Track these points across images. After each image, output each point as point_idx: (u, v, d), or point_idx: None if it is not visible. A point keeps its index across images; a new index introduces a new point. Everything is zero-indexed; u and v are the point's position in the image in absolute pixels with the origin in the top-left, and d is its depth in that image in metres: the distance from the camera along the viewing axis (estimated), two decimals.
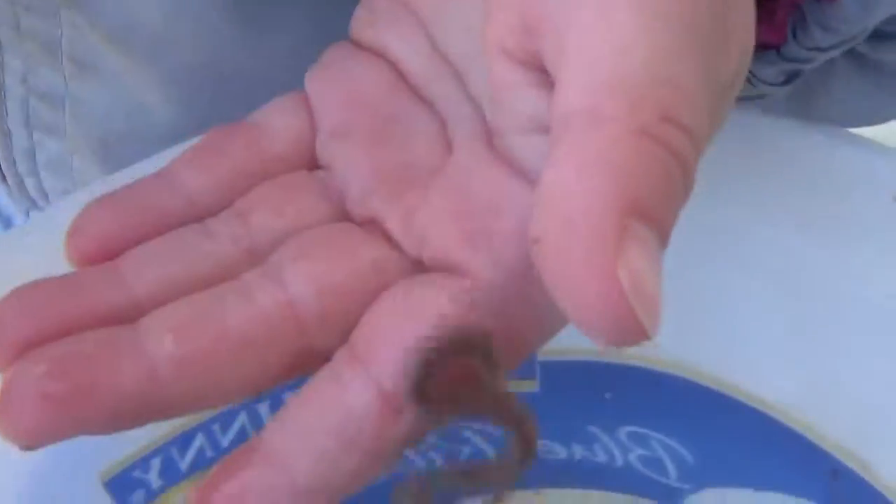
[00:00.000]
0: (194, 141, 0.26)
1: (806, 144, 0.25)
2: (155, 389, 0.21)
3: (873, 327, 0.28)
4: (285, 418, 0.22)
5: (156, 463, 0.31)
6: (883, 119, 0.34)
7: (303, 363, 0.23)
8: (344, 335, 0.22)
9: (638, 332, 0.18)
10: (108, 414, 0.21)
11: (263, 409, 0.32)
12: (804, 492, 0.32)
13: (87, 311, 0.22)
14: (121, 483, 0.30)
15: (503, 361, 0.22)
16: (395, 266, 0.23)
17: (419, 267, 0.23)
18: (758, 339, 0.29)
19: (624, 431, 0.33)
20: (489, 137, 0.23)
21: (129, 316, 0.23)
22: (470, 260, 0.22)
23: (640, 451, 0.34)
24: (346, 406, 0.21)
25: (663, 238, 0.18)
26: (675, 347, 0.31)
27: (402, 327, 0.21)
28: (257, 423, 0.32)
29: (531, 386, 0.33)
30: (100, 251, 0.24)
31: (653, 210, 0.18)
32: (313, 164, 0.26)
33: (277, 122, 0.26)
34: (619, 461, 0.34)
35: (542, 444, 0.34)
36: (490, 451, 0.35)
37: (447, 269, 0.22)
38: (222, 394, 0.22)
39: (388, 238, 0.24)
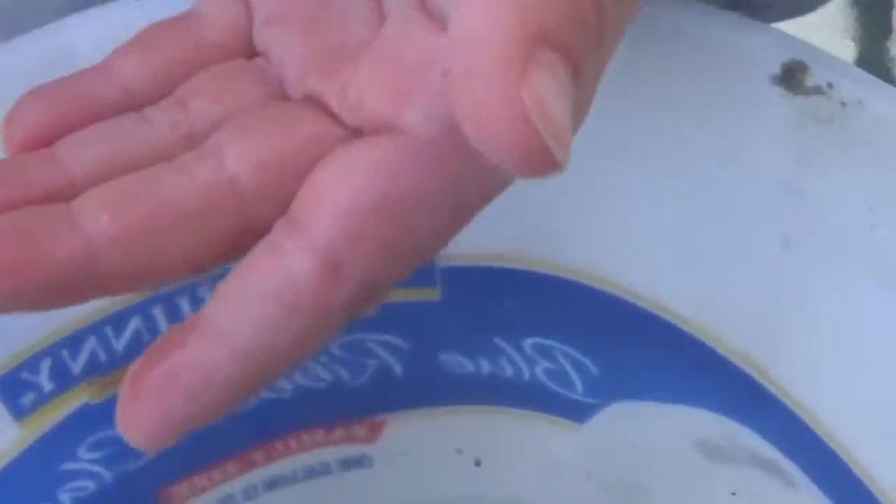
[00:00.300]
0: (91, 11, 0.26)
1: (683, 22, 0.24)
2: (92, 263, 0.21)
3: (760, 224, 0.27)
4: (223, 291, 0.22)
5: (45, 364, 0.30)
6: (812, 7, 0.33)
7: (243, 240, 0.23)
8: (284, 209, 0.22)
9: (548, 160, 0.18)
10: (44, 285, 0.21)
11: (158, 312, 0.31)
12: (708, 403, 0.32)
13: (21, 191, 0.22)
14: (8, 383, 0.30)
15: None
16: (335, 137, 0.23)
17: (359, 136, 0.23)
18: (650, 238, 0.29)
19: (528, 343, 0.33)
20: (421, 4, 0.23)
21: (64, 196, 0.22)
22: (403, 117, 0.22)
23: (546, 364, 0.34)
24: (284, 271, 0.21)
25: (575, 67, 0.18)
26: (572, 251, 0.30)
27: (337, 189, 0.21)
28: (151, 327, 0.31)
29: (432, 294, 0.32)
30: (35, 141, 0.24)
31: (560, 38, 0.18)
32: (251, 53, 0.26)
33: (214, 11, 0.26)
34: (526, 375, 0.34)
35: (449, 357, 0.34)
36: (395, 364, 0.35)
37: (383, 129, 0.22)
38: (162, 270, 0.22)
39: (328, 112, 0.24)
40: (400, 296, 0.32)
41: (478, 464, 0.38)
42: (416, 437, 0.37)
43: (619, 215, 0.29)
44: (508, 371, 0.34)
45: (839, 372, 0.29)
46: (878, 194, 0.25)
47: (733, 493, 0.34)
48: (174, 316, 0.31)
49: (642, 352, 0.32)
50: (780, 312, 0.28)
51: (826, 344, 0.29)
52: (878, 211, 0.25)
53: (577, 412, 0.35)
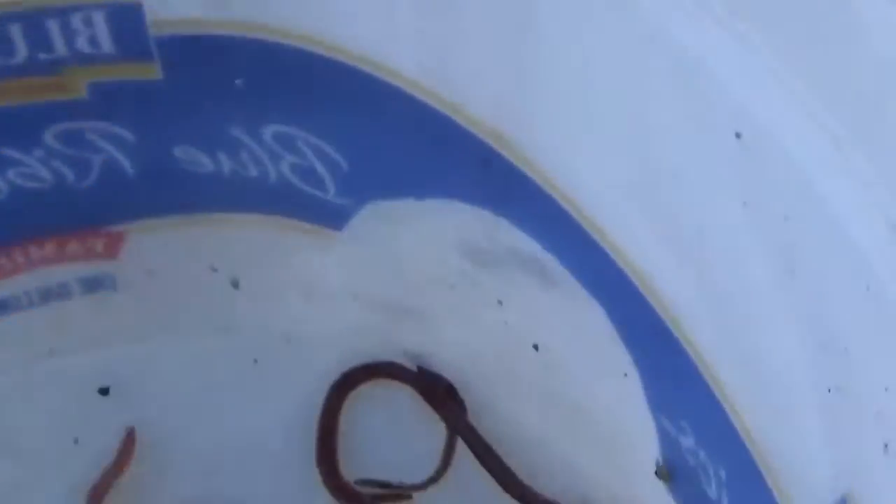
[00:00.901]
0: None
1: None
2: None
3: None
4: None
5: None
6: None
7: None
8: None
9: None
10: None
11: None
12: (464, 193, 0.28)
13: None
14: None
15: None
16: None
17: None
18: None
19: (268, 132, 0.29)
20: None
21: None
22: None
23: (292, 159, 0.30)
24: None
25: None
26: (297, 11, 0.26)
27: None
28: None
29: (152, 72, 0.28)
30: None
31: None
32: None
33: None
34: (272, 173, 0.30)
35: (184, 152, 0.30)
36: (124, 160, 0.30)
37: None
38: None
39: None
40: (114, 73, 0.28)
41: (235, 285, 0.34)
42: (162, 253, 0.33)
43: None
44: (252, 169, 0.30)
45: (595, 149, 0.25)
46: None
47: (500, 302, 0.30)
48: None
49: (389, 135, 0.28)
50: (526, 81, 0.25)
51: (579, 117, 0.25)
52: None
53: (332, 216, 0.31)
